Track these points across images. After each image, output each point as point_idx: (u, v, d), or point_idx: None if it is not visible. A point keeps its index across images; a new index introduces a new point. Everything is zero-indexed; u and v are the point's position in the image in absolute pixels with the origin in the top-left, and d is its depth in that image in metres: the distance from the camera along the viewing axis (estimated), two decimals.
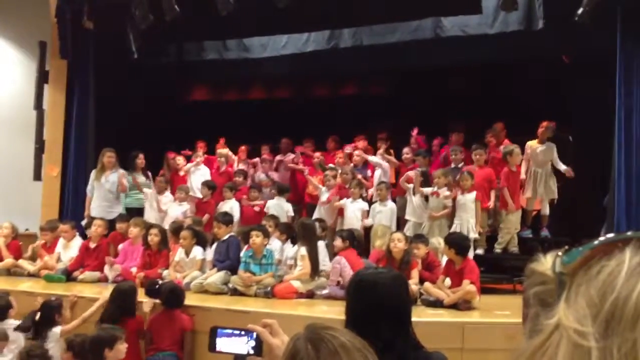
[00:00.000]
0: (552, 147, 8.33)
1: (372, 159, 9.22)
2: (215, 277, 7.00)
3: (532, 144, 8.42)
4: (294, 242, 7.45)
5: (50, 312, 5.67)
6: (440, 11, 9.31)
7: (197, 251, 7.46)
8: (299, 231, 7.19)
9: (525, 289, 0.68)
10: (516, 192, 8.24)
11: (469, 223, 7.73)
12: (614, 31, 7.57)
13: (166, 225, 8.21)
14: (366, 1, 8.24)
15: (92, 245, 8.07)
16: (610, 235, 0.61)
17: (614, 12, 7.57)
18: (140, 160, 9.30)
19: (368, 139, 9.95)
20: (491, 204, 8.20)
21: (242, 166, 10.26)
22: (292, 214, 8.82)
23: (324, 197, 8.77)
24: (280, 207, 8.71)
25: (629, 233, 0.60)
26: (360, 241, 7.64)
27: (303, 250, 6.86)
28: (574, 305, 0.58)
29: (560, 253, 0.63)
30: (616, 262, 0.58)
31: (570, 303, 0.59)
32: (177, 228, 7.82)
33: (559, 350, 0.58)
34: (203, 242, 7.63)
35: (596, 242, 0.61)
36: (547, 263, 0.65)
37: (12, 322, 5.61)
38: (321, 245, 7.26)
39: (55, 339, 5.48)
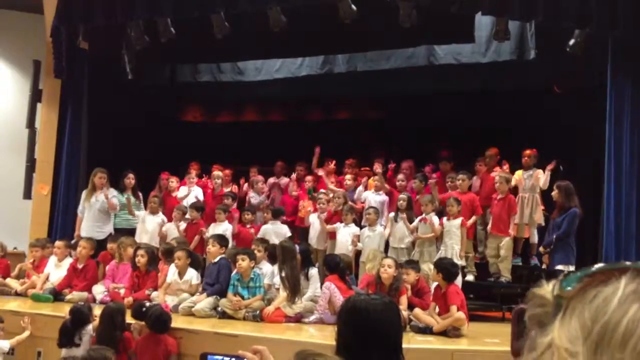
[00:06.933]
0: (536, 172, 8.34)
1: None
2: (203, 303, 6.92)
3: (519, 173, 8.46)
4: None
5: (82, 315, 5.99)
6: (433, 39, 9.42)
7: (192, 274, 7.40)
8: (278, 254, 7.16)
9: (526, 310, 0.71)
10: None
11: (453, 249, 7.75)
12: (605, 63, 7.67)
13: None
14: (361, 28, 8.31)
15: (80, 265, 8.00)
16: (609, 263, 0.65)
17: (605, 44, 7.67)
18: (130, 180, 9.25)
19: (359, 163, 9.95)
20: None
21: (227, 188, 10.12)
22: (290, 234, 8.66)
23: (313, 222, 8.77)
24: (277, 231, 8.65)
25: (627, 263, 0.63)
26: (349, 266, 7.61)
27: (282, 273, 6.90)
28: (567, 326, 0.62)
29: (560, 278, 0.66)
30: (612, 289, 0.61)
31: (564, 324, 0.62)
32: (168, 250, 7.77)
33: None
34: (196, 264, 7.58)
35: (594, 268, 0.64)
36: (548, 287, 0.68)
37: None
38: (314, 271, 7.24)
39: (89, 336, 5.87)
